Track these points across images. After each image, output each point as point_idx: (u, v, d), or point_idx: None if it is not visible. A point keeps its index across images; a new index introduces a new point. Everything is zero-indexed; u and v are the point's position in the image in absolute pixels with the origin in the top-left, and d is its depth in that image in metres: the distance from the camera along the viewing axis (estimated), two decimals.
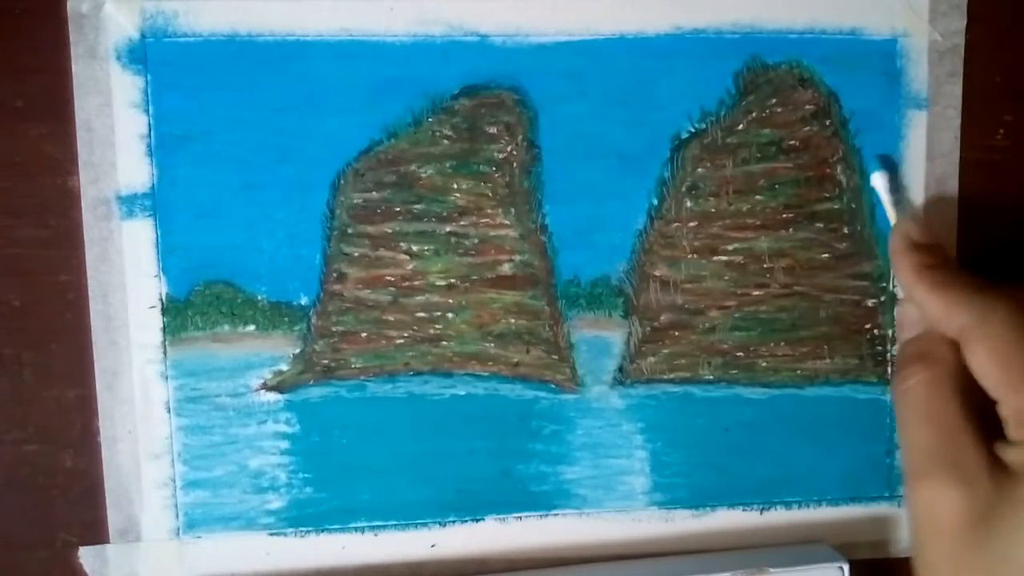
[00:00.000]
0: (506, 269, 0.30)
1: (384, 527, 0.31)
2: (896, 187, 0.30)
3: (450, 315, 0.30)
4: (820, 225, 0.31)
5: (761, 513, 0.32)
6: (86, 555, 0.30)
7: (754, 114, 0.30)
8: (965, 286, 0.26)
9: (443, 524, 0.31)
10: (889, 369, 0.32)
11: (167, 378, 0.29)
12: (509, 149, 0.30)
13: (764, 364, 0.31)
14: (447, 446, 0.30)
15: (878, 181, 0.30)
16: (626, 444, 0.31)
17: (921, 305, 0.27)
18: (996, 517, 0.24)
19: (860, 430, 0.32)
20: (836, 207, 0.31)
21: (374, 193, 0.29)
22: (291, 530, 0.30)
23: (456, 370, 0.30)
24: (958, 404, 0.25)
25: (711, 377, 0.31)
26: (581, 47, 0.30)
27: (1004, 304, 0.25)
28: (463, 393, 0.30)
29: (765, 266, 0.31)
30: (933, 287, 0.26)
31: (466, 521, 0.31)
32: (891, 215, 0.30)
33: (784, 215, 0.31)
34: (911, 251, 0.28)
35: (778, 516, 0.32)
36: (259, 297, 0.29)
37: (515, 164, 0.30)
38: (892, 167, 0.31)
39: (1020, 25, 0.32)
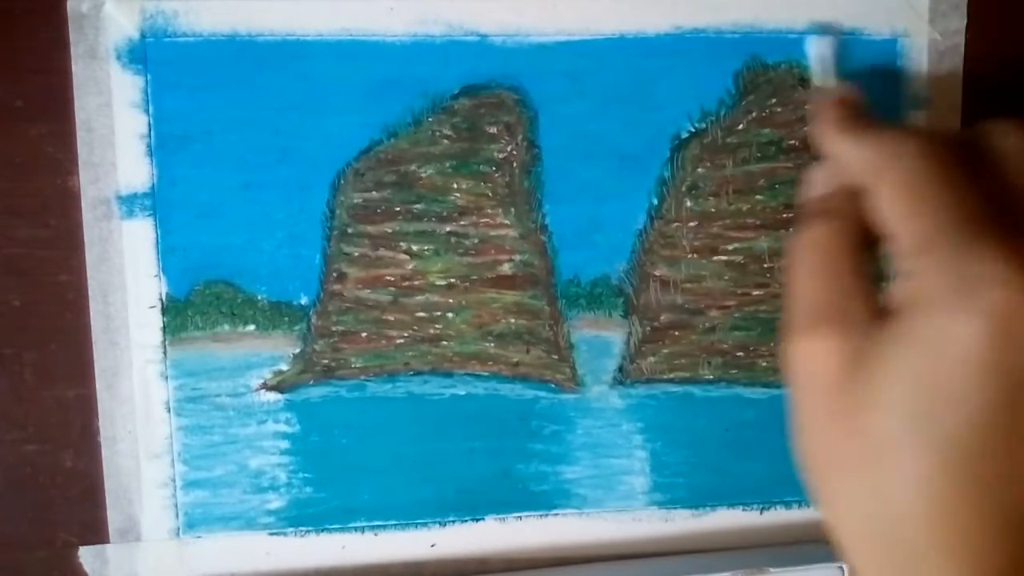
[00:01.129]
0: (506, 269, 0.30)
1: (384, 527, 0.31)
2: (832, 56, 0.30)
3: (450, 315, 0.30)
4: None
5: (761, 513, 0.32)
6: (86, 555, 0.30)
7: (754, 114, 0.30)
8: (878, 128, 0.25)
9: (443, 524, 0.31)
10: None
11: (167, 378, 0.29)
12: (509, 149, 0.30)
13: (764, 364, 0.31)
14: (447, 446, 0.30)
15: (813, 48, 0.30)
16: (626, 444, 0.31)
17: (832, 151, 0.26)
18: (872, 358, 0.22)
19: None
20: None
21: (374, 193, 0.29)
22: (291, 530, 0.30)
23: (456, 370, 0.30)
24: (853, 258, 0.24)
25: (711, 377, 0.31)
26: (581, 47, 0.30)
27: (915, 139, 0.23)
28: (463, 393, 0.30)
29: (765, 266, 0.31)
30: (844, 131, 0.25)
31: (466, 521, 0.31)
32: (819, 79, 0.29)
33: (784, 215, 0.31)
34: (831, 107, 0.26)
35: (778, 516, 0.32)
36: (259, 297, 0.29)
37: (515, 164, 0.30)
38: (833, 35, 0.30)
39: (1020, 25, 0.32)
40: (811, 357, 0.23)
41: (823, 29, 0.30)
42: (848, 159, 0.25)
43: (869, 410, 0.22)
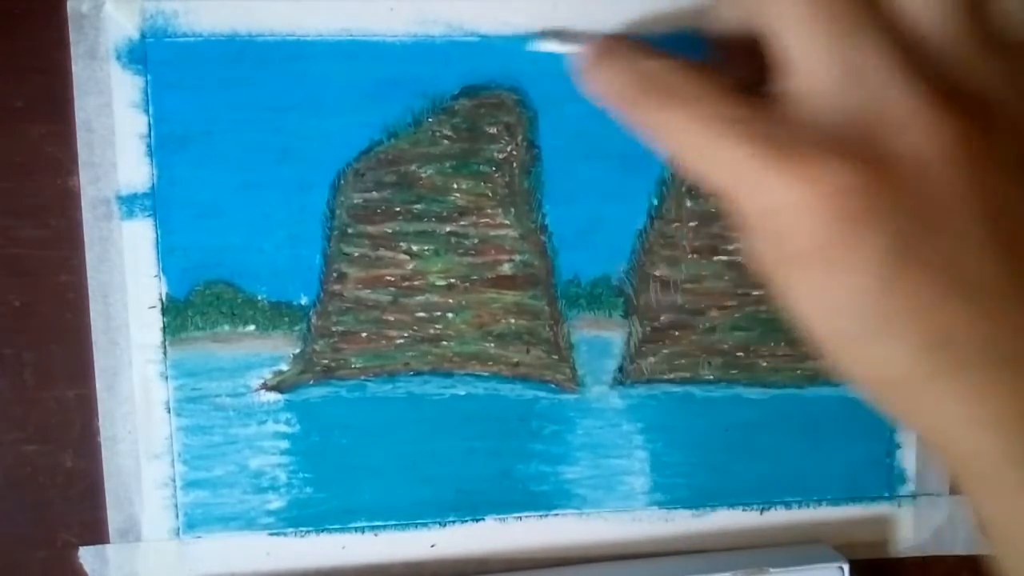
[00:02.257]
0: (506, 269, 0.30)
1: (384, 527, 0.31)
2: (563, 37, 0.28)
3: (450, 315, 0.30)
4: None
5: (761, 513, 0.32)
6: (86, 555, 0.30)
7: None
8: None
9: (443, 524, 0.31)
10: None
11: (167, 378, 0.29)
12: (509, 149, 0.30)
13: (764, 364, 0.31)
14: (447, 446, 0.30)
15: (542, 44, 0.29)
16: (626, 444, 0.31)
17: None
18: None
19: (860, 430, 0.32)
20: None
21: (374, 193, 0.29)
22: (291, 530, 0.30)
23: (456, 370, 0.30)
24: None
25: (711, 377, 0.31)
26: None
27: None
28: (463, 393, 0.30)
29: None
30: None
31: (466, 521, 0.31)
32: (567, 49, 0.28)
33: None
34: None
35: (778, 516, 0.32)
36: (259, 297, 0.29)
37: (515, 164, 0.30)
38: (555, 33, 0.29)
39: None
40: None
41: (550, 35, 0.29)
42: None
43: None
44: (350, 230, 0.29)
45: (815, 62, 0.22)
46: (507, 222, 0.30)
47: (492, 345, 0.30)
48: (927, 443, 0.23)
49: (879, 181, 0.21)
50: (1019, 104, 0.22)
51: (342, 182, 0.29)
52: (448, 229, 0.30)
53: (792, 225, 0.21)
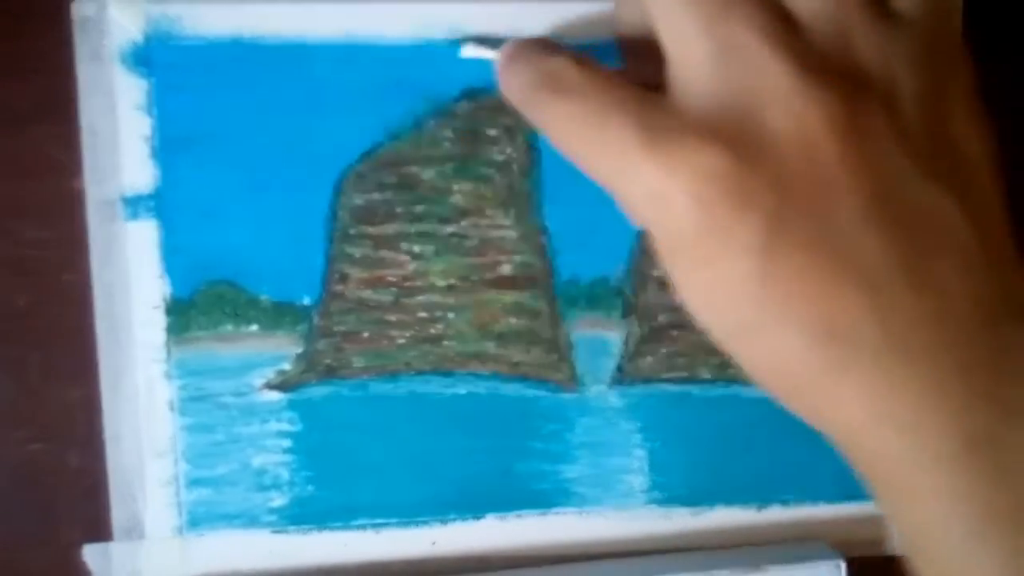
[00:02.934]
0: (506, 270, 0.30)
1: (385, 525, 0.31)
2: (491, 43, 0.28)
3: (451, 315, 0.30)
4: None
5: (759, 511, 0.32)
6: (90, 553, 0.30)
7: None
8: None
9: (444, 522, 0.31)
10: None
11: (170, 378, 0.29)
12: (509, 151, 0.30)
13: None
14: (448, 445, 0.31)
15: (470, 50, 0.28)
16: (625, 443, 0.31)
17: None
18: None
19: None
20: None
21: (376, 195, 0.30)
22: (293, 528, 0.30)
23: (457, 369, 0.31)
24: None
25: (709, 376, 0.31)
26: (581, 49, 0.30)
27: None
28: (464, 392, 0.31)
29: None
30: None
31: (467, 519, 0.31)
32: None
33: None
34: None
35: (776, 514, 0.32)
36: (262, 297, 0.30)
37: (515, 166, 0.30)
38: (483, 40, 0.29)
39: (1020, 25, 0.32)
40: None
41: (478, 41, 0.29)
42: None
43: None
44: (352, 231, 0.30)
45: (689, 46, 0.21)
46: (507, 223, 0.30)
47: (492, 345, 0.31)
48: (836, 445, 0.22)
49: (752, 162, 0.20)
50: (906, 75, 0.21)
51: (344, 184, 0.29)
52: (449, 230, 0.30)
53: (669, 215, 0.21)
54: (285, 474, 0.30)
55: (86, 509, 0.30)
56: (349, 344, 0.30)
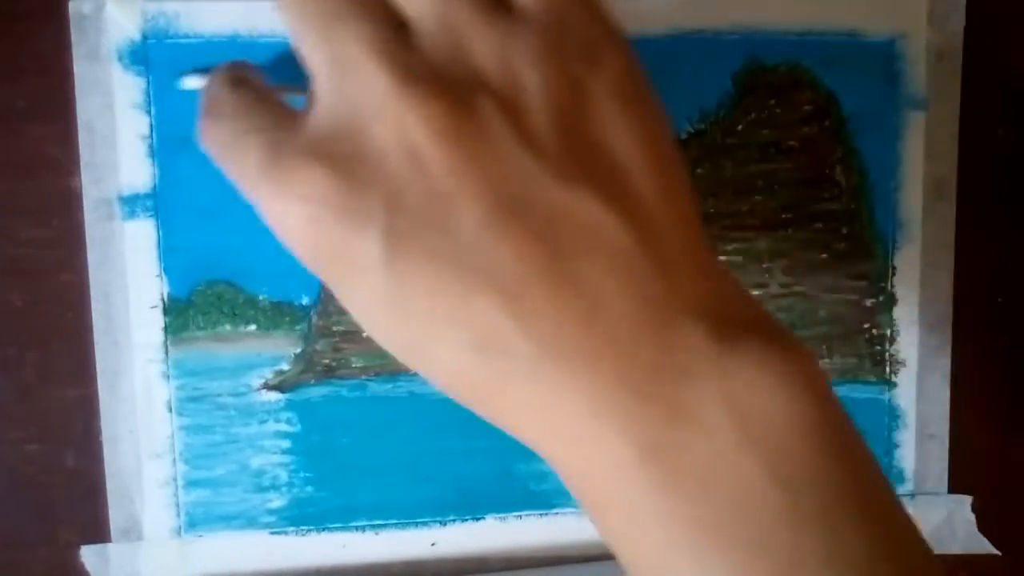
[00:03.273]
0: None
1: (385, 526, 0.31)
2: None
3: None
4: (819, 225, 0.31)
5: None
6: (88, 554, 0.30)
7: (753, 115, 0.31)
8: None
9: (443, 523, 0.31)
10: (888, 369, 0.32)
11: (168, 378, 0.29)
12: None
13: None
14: (447, 445, 0.31)
15: (187, 82, 0.28)
16: None
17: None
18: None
19: (859, 429, 0.32)
20: (835, 207, 0.31)
21: None
22: (292, 529, 0.30)
23: None
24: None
25: None
26: None
27: None
28: None
29: (764, 266, 0.31)
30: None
31: (466, 520, 0.31)
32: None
33: (783, 215, 0.31)
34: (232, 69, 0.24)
35: None
36: (260, 297, 0.29)
37: None
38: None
39: (1020, 25, 0.32)
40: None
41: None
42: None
43: None
44: None
45: (310, 60, 0.21)
46: None
47: None
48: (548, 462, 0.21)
49: (361, 180, 0.19)
50: (530, 74, 0.20)
51: None
52: None
53: (294, 239, 0.20)
54: (284, 475, 0.30)
55: (84, 510, 0.30)
56: (348, 344, 0.30)
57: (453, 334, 0.19)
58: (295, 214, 0.20)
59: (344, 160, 0.19)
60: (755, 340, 0.19)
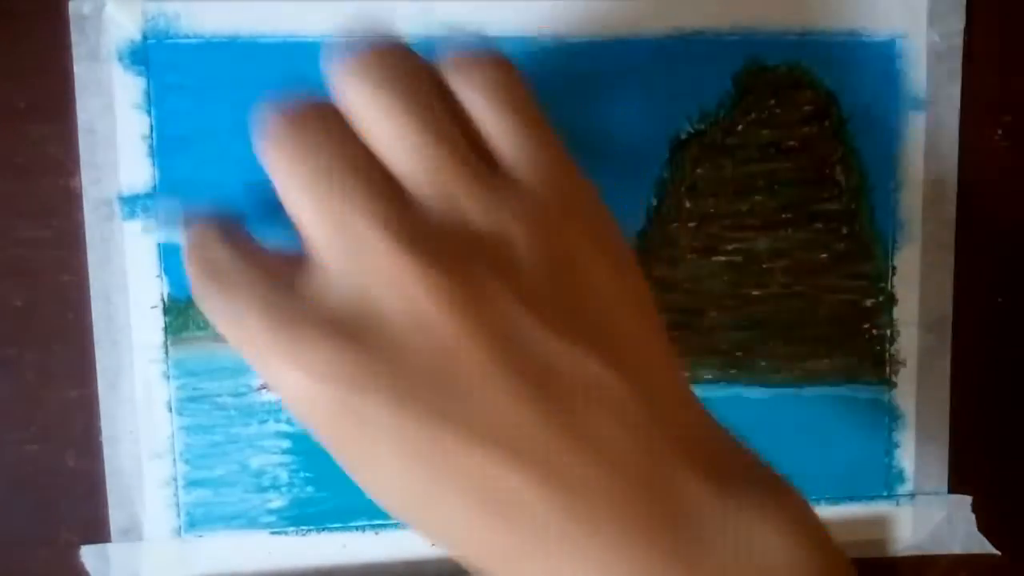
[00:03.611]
0: None
1: (385, 526, 0.31)
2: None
3: None
4: (819, 225, 0.31)
5: None
6: (88, 554, 0.30)
7: (753, 115, 0.31)
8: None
9: None
10: (888, 369, 0.32)
11: (169, 378, 0.29)
12: None
13: (764, 364, 0.31)
14: None
15: (154, 232, 0.29)
16: None
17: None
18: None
19: (859, 429, 0.32)
20: (835, 207, 0.31)
21: None
22: (292, 529, 0.30)
23: None
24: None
25: (711, 377, 0.31)
26: (581, 47, 0.30)
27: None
28: None
29: (764, 266, 0.31)
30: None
31: None
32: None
33: (783, 215, 0.31)
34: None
35: None
36: None
37: None
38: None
39: (1020, 25, 0.32)
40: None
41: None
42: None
43: None
44: None
45: (311, 230, 0.21)
46: None
47: None
48: None
49: (369, 347, 0.20)
50: (518, 232, 0.21)
51: None
52: None
53: (303, 407, 0.20)
54: (284, 475, 0.30)
55: (84, 510, 0.30)
56: None
57: (461, 492, 0.20)
58: (302, 384, 0.20)
59: (351, 327, 0.20)
60: (753, 490, 0.20)
